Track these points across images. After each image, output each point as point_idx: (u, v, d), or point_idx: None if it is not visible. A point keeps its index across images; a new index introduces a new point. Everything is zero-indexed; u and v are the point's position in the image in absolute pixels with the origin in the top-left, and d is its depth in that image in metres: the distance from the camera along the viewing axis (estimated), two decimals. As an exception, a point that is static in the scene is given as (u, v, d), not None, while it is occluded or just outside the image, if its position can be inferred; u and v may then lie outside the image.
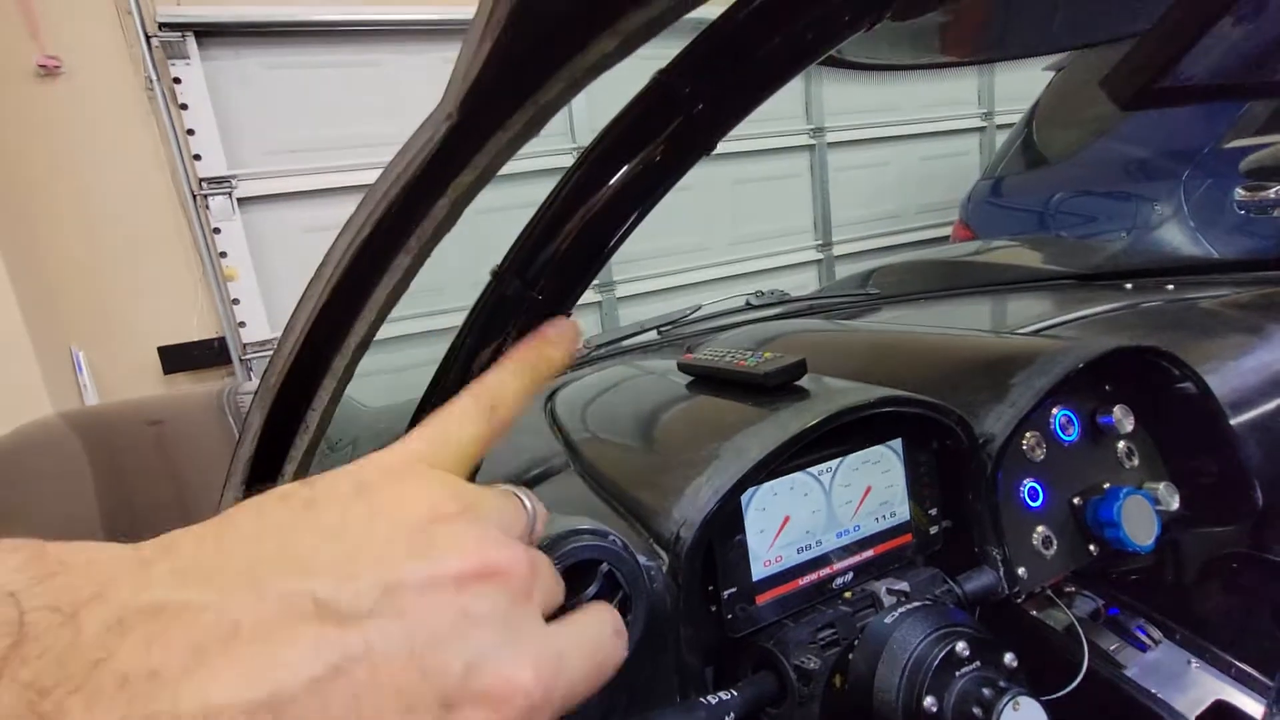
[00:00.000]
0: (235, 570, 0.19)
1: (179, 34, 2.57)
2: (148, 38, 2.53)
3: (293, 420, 0.31)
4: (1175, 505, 0.66)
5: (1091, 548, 0.64)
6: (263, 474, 0.32)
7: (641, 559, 0.45)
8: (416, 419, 0.35)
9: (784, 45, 0.32)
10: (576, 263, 0.33)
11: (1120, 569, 0.73)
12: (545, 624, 0.24)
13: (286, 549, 0.20)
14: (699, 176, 3.60)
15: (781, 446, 0.48)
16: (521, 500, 0.28)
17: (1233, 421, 0.69)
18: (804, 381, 0.58)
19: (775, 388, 0.56)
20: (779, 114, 3.81)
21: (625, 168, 0.32)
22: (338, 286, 0.27)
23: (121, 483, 0.96)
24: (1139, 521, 0.62)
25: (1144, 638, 0.64)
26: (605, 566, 0.41)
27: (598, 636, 0.27)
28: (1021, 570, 0.60)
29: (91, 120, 2.54)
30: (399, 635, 0.20)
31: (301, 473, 0.33)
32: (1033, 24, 0.54)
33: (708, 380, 0.65)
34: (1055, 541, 0.63)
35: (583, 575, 0.41)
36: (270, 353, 0.31)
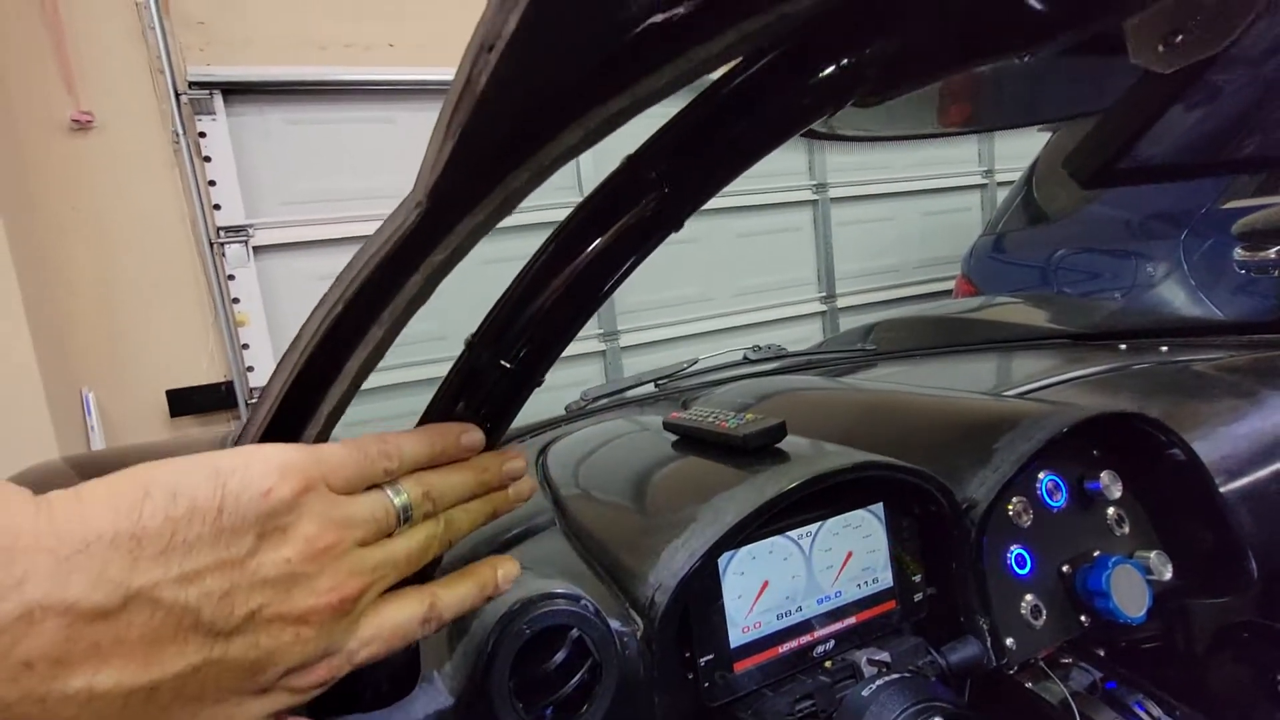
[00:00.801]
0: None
1: (207, 91, 2.69)
2: (177, 95, 2.66)
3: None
4: (1168, 575, 0.65)
5: (1083, 618, 0.63)
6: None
7: (615, 624, 0.45)
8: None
9: (749, 133, 0.34)
10: (548, 333, 0.35)
11: (1126, 639, 0.71)
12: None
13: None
14: (703, 229, 3.68)
15: (758, 510, 0.48)
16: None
17: (1225, 489, 0.69)
18: (785, 444, 0.58)
19: (755, 450, 0.56)
20: (782, 170, 3.91)
21: (595, 244, 0.34)
22: (311, 357, 0.28)
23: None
24: (1129, 592, 0.61)
25: (1142, 714, 0.62)
26: (575, 632, 0.41)
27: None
28: (1010, 641, 0.59)
29: (118, 171, 2.64)
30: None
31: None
32: (1002, 100, 0.56)
33: (692, 440, 0.65)
34: (1045, 611, 0.61)
35: (554, 639, 0.41)
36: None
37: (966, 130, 0.73)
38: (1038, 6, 0.38)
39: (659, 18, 0.26)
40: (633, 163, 0.33)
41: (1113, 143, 0.43)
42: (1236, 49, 0.39)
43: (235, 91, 2.76)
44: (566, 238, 0.34)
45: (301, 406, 0.30)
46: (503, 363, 0.33)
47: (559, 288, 0.34)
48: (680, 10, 0.28)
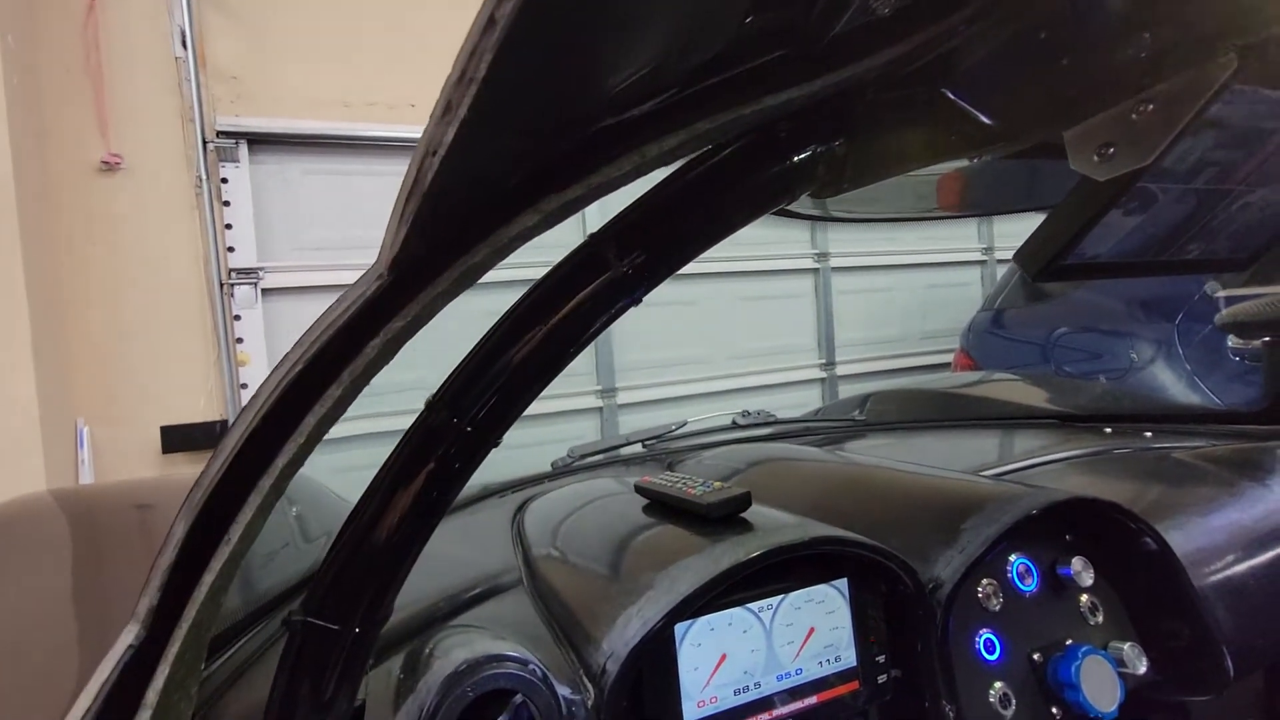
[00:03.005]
0: None
1: (233, 140, 2.82)
2: (205, 142, 2.78)
3: (217, 533, 0.32)
4: (1143, 669, 0.64)
5: (1054, 710, 0.62)
6: (183, 580, 0.33)
7: (565, 691, 0.44)
8: (341, 535, 0.37)
9: (701, 221, 0.36)
10: (505, 398, 0.36)
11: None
12: None
13: None
14: (704, 292, 3.74)
15: (713, 580, 0.48)
16: None
17: (1201, 583, 0.68)
18: (750, 514, 0.58)
19: (718, 519, 0.57)
20: (784, 239, 4.01)
21: (556, 317, 0.36)
22: (269, 414, 0.30)
23: (99, 564, 0.95)
24: (1100, 684, 0.60)
25: (1117, 819, 0.60)
26: (519, 698, 0.40)
27: None
28: (976, 730, 0.57)
29: (140, 211, 2.74)
30: None
31: (222, 581, 0.34)
32: (968, 192, 0.59)
33: (660, 505, 0.66)
34: (1014, 701, 0.60)
35: (499, 702, 0.41)
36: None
37: (933, 216, 0.77)
38: (983, 119, 0.41)
39: (610, 120, 0.29)
40: (593, 242, 0.36)
41: (1058, 240, 0.45)
42: (1166, 162, 0.42)
43: (260, 141, 2.88)
44: (527, 309, 0.36)
45: (259, 459, 0.31)
46: (459, 423, 0.35)
47: (519, 355, 0.35)
48: (634, 112, 0.30)
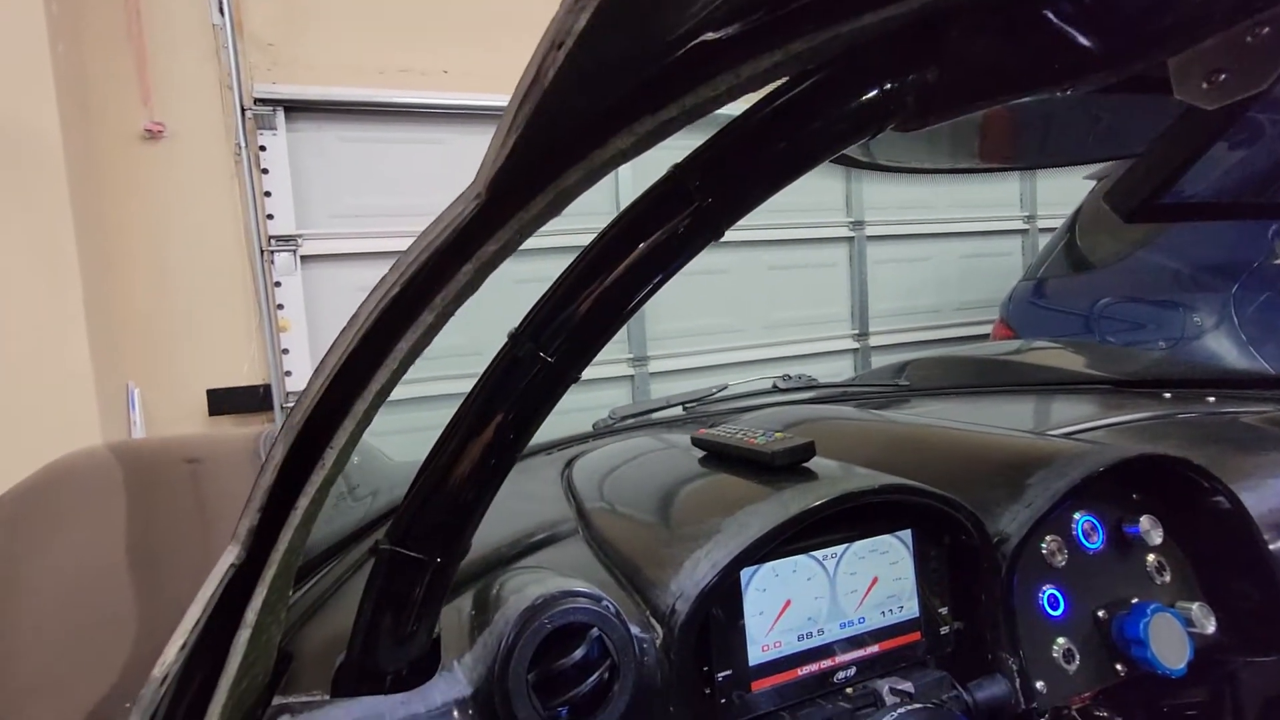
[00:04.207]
0: None
1: (271, 108, 2.84)
2: (243, 110, 2.81)
3: (312, 456, 0.33)
4: (1211, 629, 0.62)
5: (1119, 667, 0.61)
6: (279, 503, 0.34)
7: (635, 630, 0.45)
8: (425, 468, 0.37)
9: (786, 151, 0.35)
10: (588, 331, 0.36)
11: (1168, 703, 0.68)
12: None
13: None
14: (736, 260, 3.69)
15: (783, 525, 0.48)
16: None
17: (1275, 544, 0.66)
18: (813, 464, 0.58)
19: (782, 468, 0.56)
20: (819, 206, 3.92)
21: (639, 248, 0.35)
22: (366, 335, 0.30)
23: (151, 514, 0.99)
24: (1169, 642, 0.59)
25: (1179, 776, 0.59)
26: (595, 631, 0.41)
27: None
28: (1040, 684, 0.57)
29: (182, 179, 2.79)
30: None
31: (315, 507, 0.35)
32: (1039, 138, 0.56)
33: (719, 456, 0.65)
34: (1078, 656, 0.59)
35: (573, 637, 0.42)
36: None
37: (1002, 167, 0.73)
38: (1085, 43, 0.39)
39: (710, 35, 0.28)
40: (676, 172, 0.35)
41: (1155, 177, 0.43)
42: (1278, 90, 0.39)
43: (296, 109, 2.90)
44: (611, 240, 0.35)
45: (353, 383, 0.31)
46: (542, 355, 0.35)
47: (601, 288, 0.35)
48: (732, 29, 0.29)
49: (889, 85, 0.37)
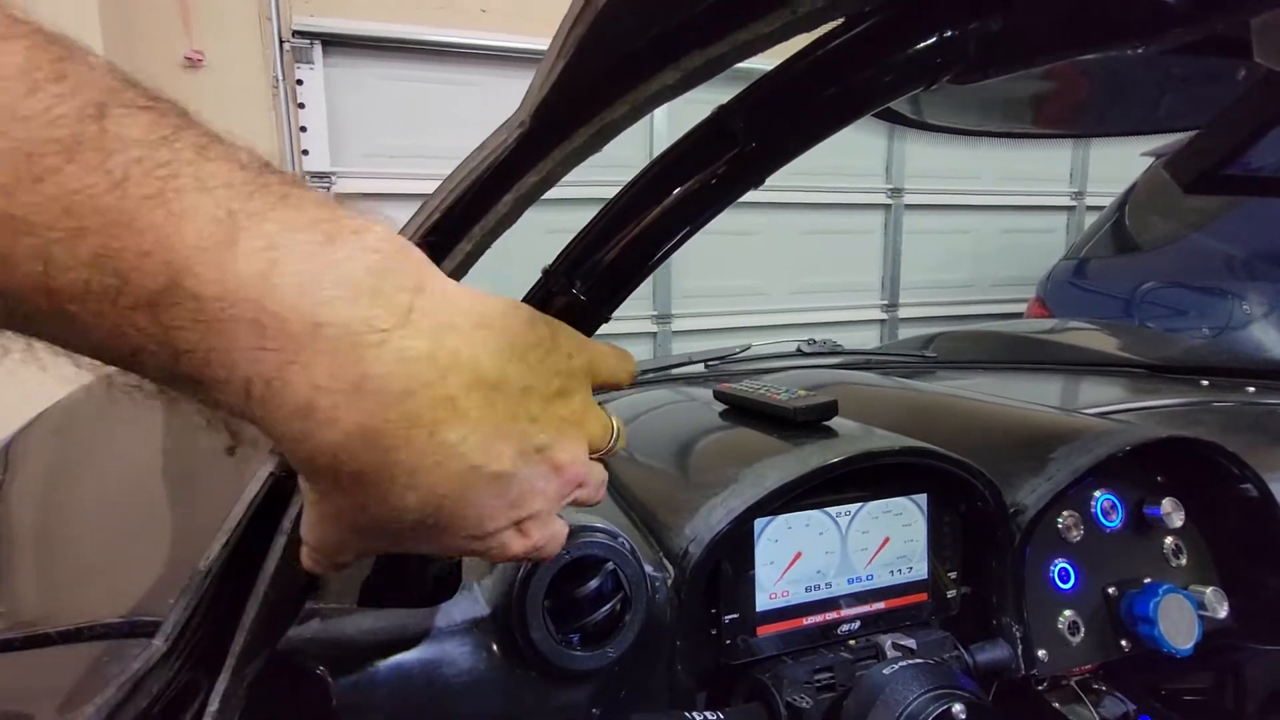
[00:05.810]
0: None
1: (308, 41, 2.82)
2: (281, 42, 2.79)
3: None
4: (1223, 614, 0.62)
5: (1124, 643, 0.61)
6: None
7: (648, 568, 0.46)
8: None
9: (837, 97, 0.34)
10: (622, 271, 0.36)
11: (1169, 685, 0.68)
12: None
13: None
14: (766, 222, 3.63)
15: (800, 479, 0.48)
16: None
17: (1298, 536, 0.65)
18: (834, 423, 0.58)
19: (803, 424, 0.57)
20: (857, 170, 3.81)
21: (678, 190, 0.35)
22: (405, 262, 0.30)
23: (186, 432, 1.03)
24: (1178, 622, 0.59)
25: (1173, 755, 0.60)
26: (611, 565, 0.42)
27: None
28: (1041, 652, 0.58)
29: (220, 109, 2.79)
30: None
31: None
32: (1098, 104, 0.54)
33: (740, 410, 0.66)
34: (1083, 629, 0.60)
35: (589, 570, 0.43)
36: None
37: (1057, 134, 0.70)
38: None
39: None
40: (720, 114, 0.34)
41: (1221, 147, 0.41)
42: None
43: (334, 43, 2.87)
44: (650, 180, 0.35)
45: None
46: (575, 291, 0.35)
47: (637, 228, 0.35)
48: (790, -39, 0.28)
49: (950, 32, 0.35)
